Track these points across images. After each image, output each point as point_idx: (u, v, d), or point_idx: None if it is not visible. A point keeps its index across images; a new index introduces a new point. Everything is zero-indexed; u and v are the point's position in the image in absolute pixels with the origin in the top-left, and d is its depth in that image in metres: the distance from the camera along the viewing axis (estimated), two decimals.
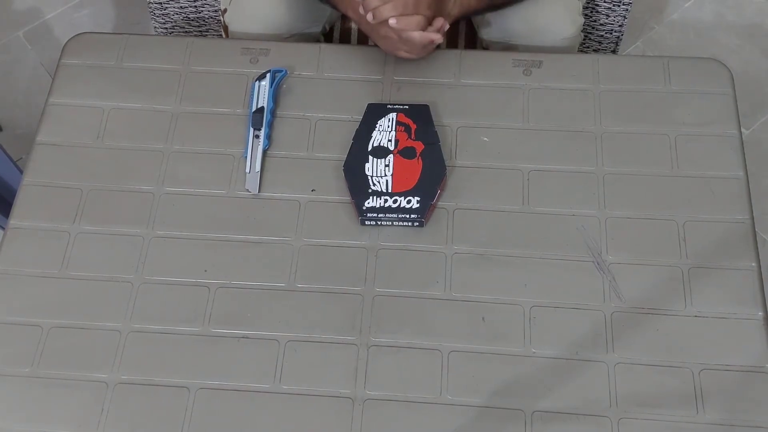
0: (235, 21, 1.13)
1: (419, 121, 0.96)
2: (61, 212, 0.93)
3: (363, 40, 1.03)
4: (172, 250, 0.91)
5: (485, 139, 0.97)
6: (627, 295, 0.87)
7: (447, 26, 0.96)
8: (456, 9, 1.00)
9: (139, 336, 0.86)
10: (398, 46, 0.97)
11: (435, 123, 0.97)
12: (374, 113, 0.98)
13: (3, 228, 0.94)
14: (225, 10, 1.17)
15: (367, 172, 0.93)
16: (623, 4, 1.26)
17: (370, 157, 0.94)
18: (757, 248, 0.89)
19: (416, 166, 0.93)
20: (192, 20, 1.37)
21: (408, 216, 0.90)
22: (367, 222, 0.91)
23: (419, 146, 0.94)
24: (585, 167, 0.95)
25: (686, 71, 1.02)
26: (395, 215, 0.90)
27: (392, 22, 0.91)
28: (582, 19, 1.15)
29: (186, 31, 1.39)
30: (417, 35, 0.93)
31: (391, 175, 0.93)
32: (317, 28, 1.17)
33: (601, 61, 1.03)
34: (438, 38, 0.94)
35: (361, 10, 0.94)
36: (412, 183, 0.92)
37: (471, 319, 0.86)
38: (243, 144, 0.98)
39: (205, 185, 0.95)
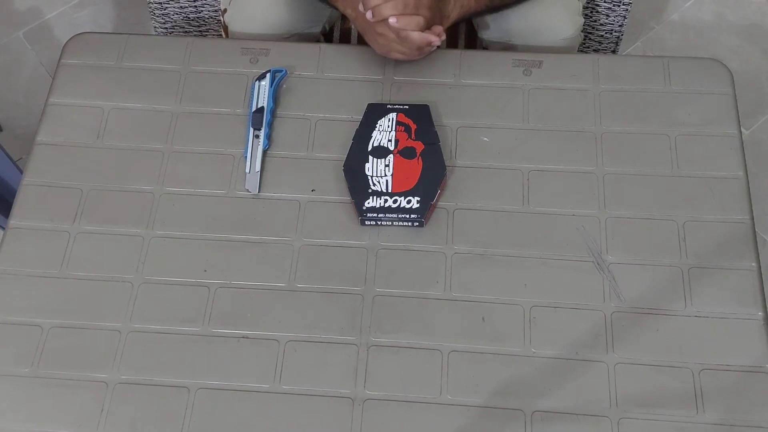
0: (235, 21, 1.13)
1: (419, 121, 0.96)
2: (61, 212, 0.93)
3: (363, 40, 1.03)
4: (172, 250, 0.91)
5: (485, 139, 0.97)
6: (627, 295, 0.87)
7: (444, 36, 0.95)
8: (455, 11, 1.00)
9: (139, 336, 0.86)
10: (393, 47, 0.97)
11: (435, 123, 0.97)
12: (374, 113, 0.97)
13: (3, 228, 0.94)
14: (225, 10, 1.17)
15: (367, 172, 0.93)
16: (623, 4, 1.26)
17: (370, 157, 0.94)
18: (757, 248, 0.89)
19: (416, 166, 0.93)
20: (192, 20, 1.37)
21: (408, 216, 0.90)
22: (367, 222, 0.91)
23: (419, 146, 0.94)
24: (585, 167, 0.95)
25: (686, 71, 1.02)
26: (395, 215, 0.90)
27: (392, 20, 0.91)
28: (582, 20, 1.15)
29: (186, 31, 1.39)
30: (416, 35, 0.93)
31: (391, 175, 0.93)
32: (317, 28, 1.17)
33: (601, 61, 1.03)
34: (436, 41, 0.94)
35: (361, 8, 0.93)
36: (412, 183, 0.92)
37: (471, 319, 0.86)
38: (243, 144, 0.98)
39: (205, 185, 0.95)
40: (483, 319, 0.86)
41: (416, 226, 0.91)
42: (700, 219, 0.91)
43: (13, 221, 0.93)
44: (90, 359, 0.85)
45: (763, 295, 0.87)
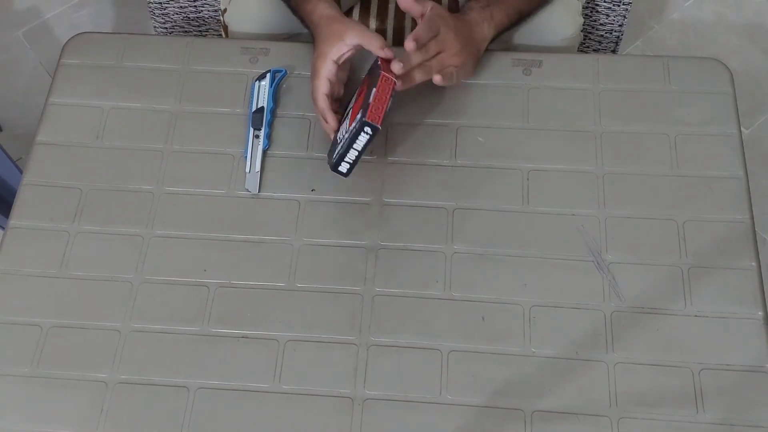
0: (235, 21, 1.13)
1: (370, 74, 0.93)
2: (61, 212, 0.93)
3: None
4: (172, 250, 0.91)
5: (480, 139, 0.97)
6: (627, 295, 0.87)
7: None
8: (491, 31, 0.99)
9: (139, 336, 0.86)
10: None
11: (434, 123, 0.97)
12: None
13: (3, 228, 0.94)
14: (225, 10, 1.17)
15: (338, 140, 0.90)
16: (623, 4, 1.27)
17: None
18: (757, 248, 0.89)
19: (362, 98, 0.89)
20: (192, 20, 1.37)
21: (363, 132, 0.84)
22: (340, 168, 0.87)
23: (367, 86, 0.90)
24: (585, 167, 0.95)
25: (686, 71, 1.02)
26: (352, 140, 0.84)
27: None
28: (581, 19, 1.15)
29: (186, 31, 1.39)
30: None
31: (348, 121, 0.89)
32: None
33: (601, 60, 1.03)
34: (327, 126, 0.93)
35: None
36: (359, 108, 0.88)
37: (471, 319, 0.86)
38: (243, 144, 0.98)
39: (205, 185, 0.95)
40: (483, 318, 0.86)
41: (372, 134, 0.84)
42: (699, 219, 0.91)
43: (13, 221, 0.93)
44: (90, 359, 0.85)
45: (763, 294, 0.87)
